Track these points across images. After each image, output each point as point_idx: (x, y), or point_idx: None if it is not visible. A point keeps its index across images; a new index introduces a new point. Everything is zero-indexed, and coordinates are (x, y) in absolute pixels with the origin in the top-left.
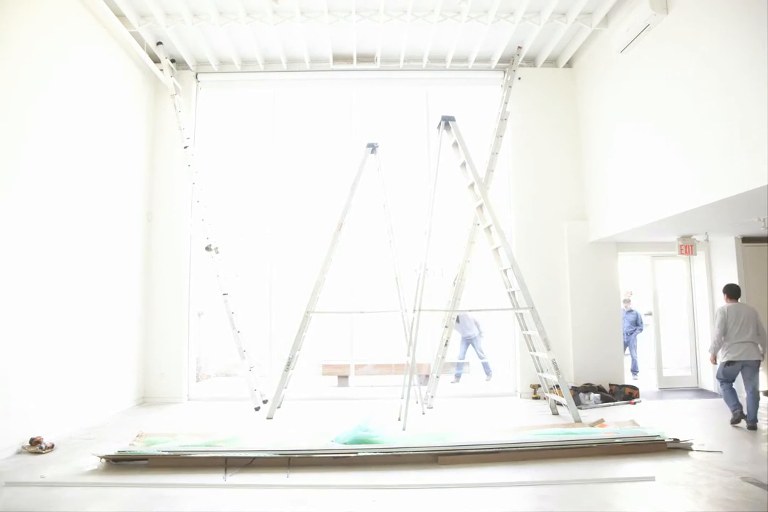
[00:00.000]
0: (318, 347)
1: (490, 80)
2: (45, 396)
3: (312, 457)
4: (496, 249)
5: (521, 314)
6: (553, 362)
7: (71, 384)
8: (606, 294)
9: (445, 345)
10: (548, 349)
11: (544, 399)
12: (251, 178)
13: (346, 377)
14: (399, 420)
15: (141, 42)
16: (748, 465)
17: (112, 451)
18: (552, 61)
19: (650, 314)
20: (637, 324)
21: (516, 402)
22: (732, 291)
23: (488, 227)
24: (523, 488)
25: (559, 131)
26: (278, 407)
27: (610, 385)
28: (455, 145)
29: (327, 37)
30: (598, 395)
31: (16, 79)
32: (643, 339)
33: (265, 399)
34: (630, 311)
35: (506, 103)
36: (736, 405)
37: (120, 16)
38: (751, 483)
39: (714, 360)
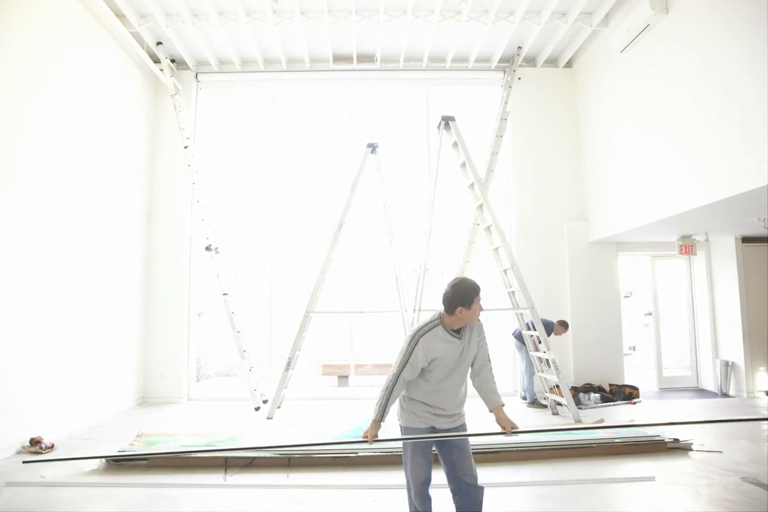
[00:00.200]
0: (318, 347)
1: (490, 80)
2: (45, 396)
3: (312, 457)
4: (496, 249)
5: (521, 314)
6: (553, 362)
7: (71, 384)
8: (606, 294)
9: None
10: (548, 349)
11: (544, 398)
12: (251, 178)
13: (346, 377)
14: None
15: (141, 42)
16: (748, 465)
17: (112, 451)
18: (552, 61)
19: (650, 314)
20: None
21: (516, 402)
22: None
23: (488, 227)
24: (523, 488)
25: (559, 131)
26: (278, 407)
27: (610, 385)
28: (455, 145)
29: (327, 37)
30: (598, 395)
31: (16, 78)
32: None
33: (265, 399)
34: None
35: (506, 103)
36: None
37: (120, 16)
38: (751, 483)
39: None
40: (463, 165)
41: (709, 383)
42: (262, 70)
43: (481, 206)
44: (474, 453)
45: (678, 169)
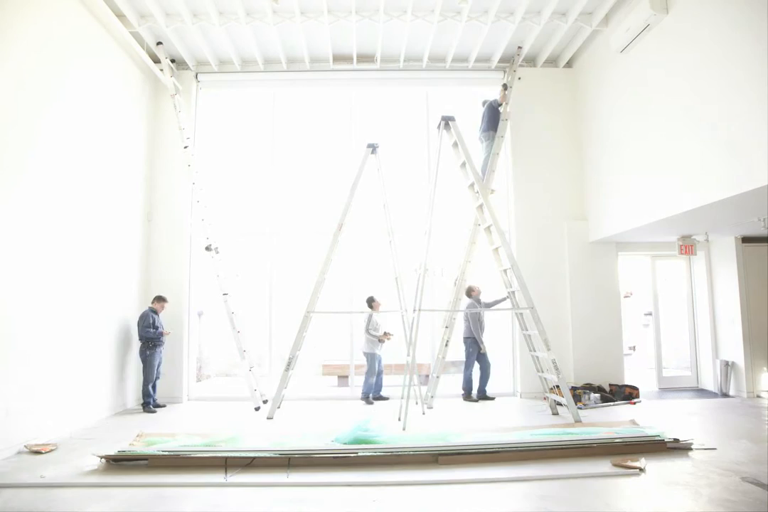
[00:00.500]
0: (318, 347)
1: (490, 80)
2: (45, 396)
3: (312, 457)
4: (496, 249)
5: (521, 314)
6: (553, 362)
7: (71, 384)
8: (606, 294)
9: (446, 345)
10: (548, 349)
11: (544, 399)
12: (251, 178)
13: (346, 377)
14: (399, 420)
15: (141, 42)
16: (748, 465)
17: (112, 451)
18: (552, 61)
19: (650, 314)
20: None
21: (516, 402)
22: None
23: (488, 227)
24: (523, 488)
25: (559, 131)
26: (278, 407)
27: (611, 385)
28: (455, 145)
29: (327, 37)
30: (598, 395)
31: (16, 78)
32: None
33: (265, 399)
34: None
35: (507, 103)
36: None
37: (120, 16)
38: (751, 483)
39: None
40: (463, 165)
41: (709, 383)
42: (262, 70)
43: (481, 206)
44: (474, 453)
45: (678, 169)
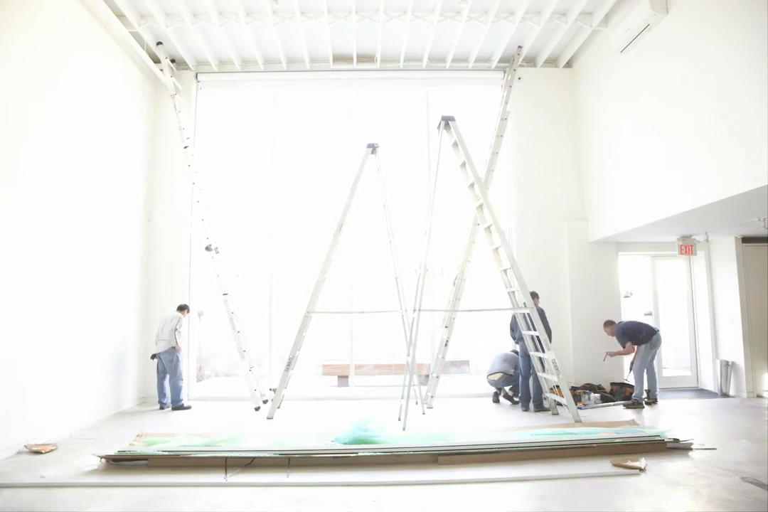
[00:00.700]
0: (318, 347)
1: (490, 80)
2: (45, 396)
3: (312, 457)
4: (496, 249)
5: (521, 314)
6: (553, 362)
7: (71, 384)
8: (606, 294)
9: (445, 345)
10: (548, 349)
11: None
12: (251, 177)
13: (346, 377)
14: (399, 420)
15: (141, 42)
16: (748, 465)
17: (112, 451)
18: (552, 61)
19: (650, 314)
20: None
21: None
22: None
23: (488, 227)
24: (523, 488)
25: (559, 131)
26: (278, 407)
27: (611, 385)
28: (455, 145)
29: (327, 37)
30: (598, 395)
31: (17, 79)
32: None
33: (265, 399)
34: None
35: (506, 102)
36: None
37: (120, 16)
38: (751, 483)
39: None
40: (463, 165)
41: (709, 383)
42: (262, 70)
43: (481, 206)
44: (474, 453)
45: (678, 169)
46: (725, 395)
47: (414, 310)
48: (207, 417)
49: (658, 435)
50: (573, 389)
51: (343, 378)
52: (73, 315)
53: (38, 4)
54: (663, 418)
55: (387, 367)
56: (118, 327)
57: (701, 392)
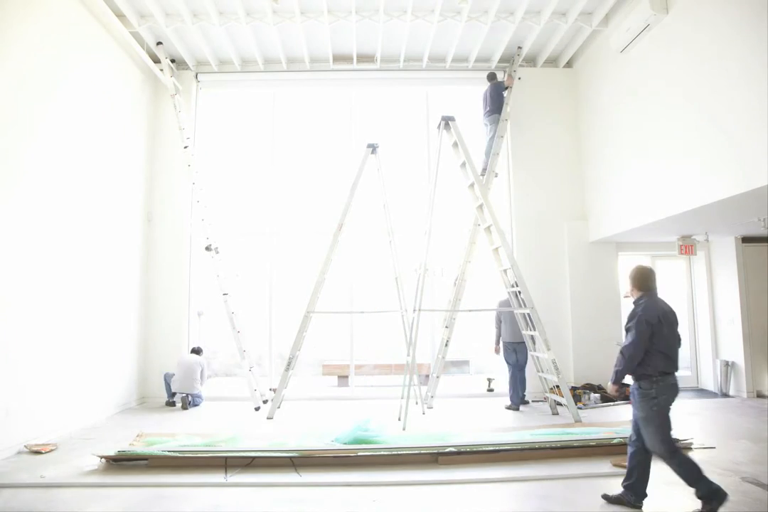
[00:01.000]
0: (318, 347)
1: None
2: (45, 396)
3: (312, 457)
4: (496, 249)
5: (521, 314)
6: (553, 362)
7: (71, 384)
8: (606, 294)
9: (445, 345)
10: (548, 349)
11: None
12: (251, 177)
13: (346, 377)
14: (399, 420)
15: (141, 42)
16: (748, 465)
17: (112, 451)
18: (552, 61)
19: None
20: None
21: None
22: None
23: (488, 227)
24: (523, 488)
25: (559, 131)
26: (278, 407)
27: None
28: (455, 145)
29: (327, 37)
30: (598, 395)
31: (17, 78)
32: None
33: (265, 399)
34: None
35: (507, 103)
36: None
37: (120, 16)
38: (751, 483)
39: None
40: (463, 165)
41: (709, 383)
42: (262, 70)
43: (481, 206)
44: (473, 453)
45: (678, 169)
46: (725, 395)
47: (414, 310)
48: (207, 417)
49: None
50: (573, 389)
51: (343, 378)
52: (73, 315)
53: (39, 4)
54: None
55: (387, 367)
56: (119, 327)
57: (701, 392)
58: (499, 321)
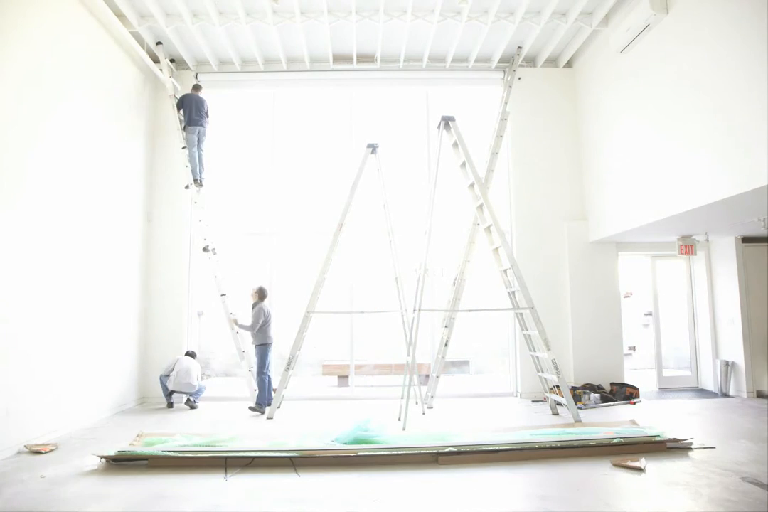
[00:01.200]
0: (318, 347)
1: (490, 80)
2: (45, 396)
3: (312, 457)
4: (496, 249)
5: (521, 314)
6: (553, 362)
7: (71, 384)
8: (606, 294)
9: (445, 345)
10: (548, 349)
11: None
12: (251, 178)
13: (346, 377)
14: (399, 420)
15: (141, 42)
16: (748, 465)
17: (112, 451)
18: (552, 61)
19: (650, 314)
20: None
21: (516, 402)
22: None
23: (488, 227)
24: (523, 488)
25: (559, 131)
26: (278, 407)
27: (612, 385)
28: (455, 145)
29: (327, 37)
30: (598, 395)
31: (19, 80)
32: (643, 338)
33: None
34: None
35: (506, 103)
36: None
37: (120, 16)
38: (751, 483)
39: None
40: (463, 165)
41: (709, 383)
42: (262, 70)
43: (481, 206)
44: (474, 453)
45: (678, 169)
46: (725, 395)
47: (414, 310)
48: (207, 417)
49: (658, 435)
50: (573, 389)
51: (343, 378)
52: (73, 315)
53: (38, 5)
54: (663, 418)
55: (387, 367)
56: (118, 327)
57: (701, 392)
58: None
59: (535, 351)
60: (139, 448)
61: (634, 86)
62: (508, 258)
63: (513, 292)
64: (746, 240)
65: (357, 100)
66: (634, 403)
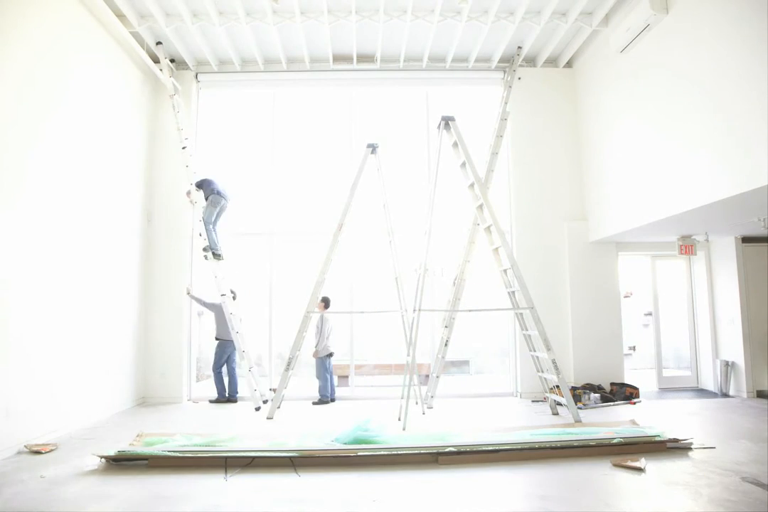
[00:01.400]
0: None
1: (490, 80)
2: (45, 396)
3: (312, 457)
4: (496, 249)
5: (521, 314)
6: (553, 362)
7: (71, 384)
8: (606, 294)
9: (445, 345)
10: (548, 349)
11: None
12: (251, 178)
13: (346, 377)
14: (399, 420)
15: (141, 42)
16: (748, 465)
17: (112, 451)
18: (552, 61)
19: (650, 314)
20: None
21: (516, 402)
22: None
23: (488, 227)
24: (523, 488)
25: (559, 131)
26: (278, 407)
27: (612, 385)
28: (455, 145)
29: (327, 37)
30: (598, 395)
31: (19, 79)
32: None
33: (265, 399)
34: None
35: (506, 103)
36: None
37: (120, 16)
38: (751, 483)
39: None
40: (463, 165)
41: (709, 383)
42: (262, 70)
43: (481, 206)
44: (474, 453)
45: (678, 169)
46: (725, 395)
47: (414, 310)
48: (207, 417)
49: (658, 435)
50: (573, 389)
51: (343, 378)
52: (73, 314)
53: (38, 5)
54: (663, 418)
55: (387, 367)
56: (118, 327)
57: (701, 392)
58: None
59: (535, 351)
60: (139, 448)
61: (634, 86)
62: (508, 258)
63: (513, 292)
64: (746, 240)
65: (357, 100)
66: (634, 403)
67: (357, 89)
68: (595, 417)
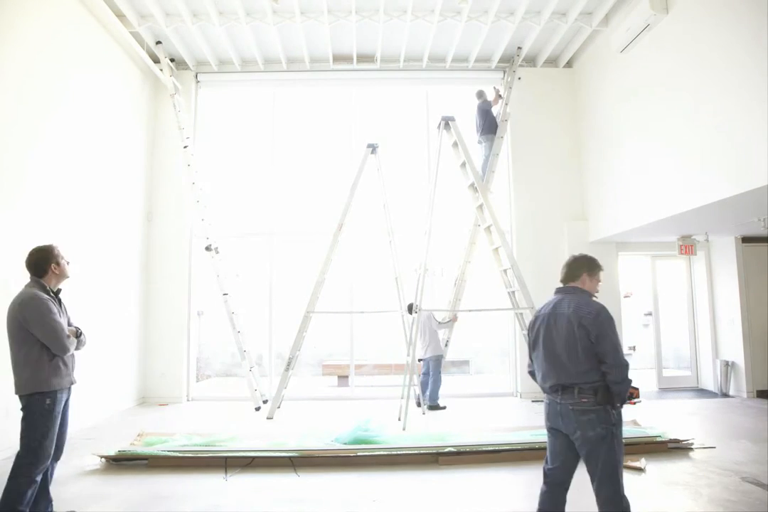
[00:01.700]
0: (318, 347)
1: (490, 80)
2: None
3: (312, 457)
4: (496, 249)
5: (521, 314)
6: None
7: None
8: (606, 294)
9: (445, 345)
10: None
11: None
12: (251, 177)
13: (346, 377)
14: (399, 420)
15: (141, 42)
16: (748, 465)
17: (112, 451)
18: (552, 61)
19: (650, 314)
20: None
21: (516, 402)
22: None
23: (488, 227)
24: (523, 488)
25: (559, 131)
26: (278, 407)
27: None
28: (455, 145)
29: (327, 37)
30: None
31: (19, 79)
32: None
33: (265, 399)
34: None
35: (507, 103)
36: None
37: (120, 16)
38: (751, 483)
39: None
40: (463, 165)
41: (709, 383)
42: (262, 70)
43: (481, 206)
44: (474, 453)
45: (678, 168)
46: (725, 395)
47: (414, 310)
48: (207, 417)
49: (659, 435)
50: None
51: (343, 378)
52: (73, 314)
53: (38, 5)
54: (663, 418)
55: (387, 367)
56: (119, 327)
57: (701, 392)
58: None
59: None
60: (139, 448)
61: (634, 86)
62: (508, 258)
63: (513, 292)
64: (746, 240)
65: (357, 100)
66: (635, 403)
67: (357, 89)
68: None
